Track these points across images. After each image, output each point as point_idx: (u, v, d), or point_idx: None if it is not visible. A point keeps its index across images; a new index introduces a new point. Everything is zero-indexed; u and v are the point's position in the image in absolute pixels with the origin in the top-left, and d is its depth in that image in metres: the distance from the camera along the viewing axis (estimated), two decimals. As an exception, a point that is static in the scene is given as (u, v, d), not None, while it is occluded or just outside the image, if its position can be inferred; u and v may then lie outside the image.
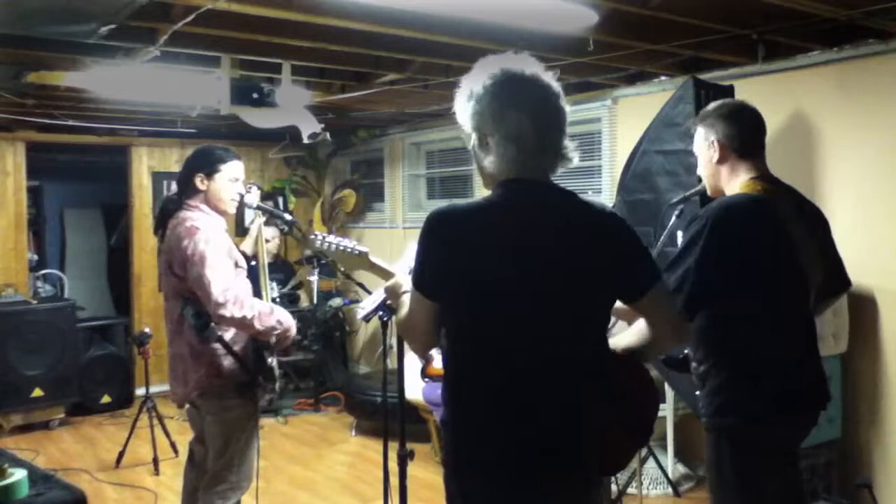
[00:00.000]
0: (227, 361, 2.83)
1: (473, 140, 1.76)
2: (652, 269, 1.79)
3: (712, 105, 2.33)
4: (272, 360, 2.91)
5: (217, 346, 2.80)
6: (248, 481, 2.97)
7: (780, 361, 2.14)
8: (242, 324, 2.76)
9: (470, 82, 1.73)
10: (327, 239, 2.38)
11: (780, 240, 2.15)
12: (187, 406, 3.04)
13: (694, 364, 2.24)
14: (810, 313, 2.25)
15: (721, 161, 2.25)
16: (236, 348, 2.84)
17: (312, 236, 2.41)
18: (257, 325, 2.78)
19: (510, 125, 1.67)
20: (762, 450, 2.14)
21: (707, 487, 2.29)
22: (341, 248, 2.36)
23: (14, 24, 3.07)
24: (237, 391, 2.86)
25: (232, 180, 2.93)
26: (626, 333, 1.89)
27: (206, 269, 2.72)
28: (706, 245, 2.07)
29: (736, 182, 2.24)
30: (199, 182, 2.88)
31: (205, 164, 2.90)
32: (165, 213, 2.93)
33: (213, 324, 2.76)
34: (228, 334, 2.83)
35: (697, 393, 2.28)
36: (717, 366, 2.17)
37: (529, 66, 1.71)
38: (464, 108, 1.74)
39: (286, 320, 2.91)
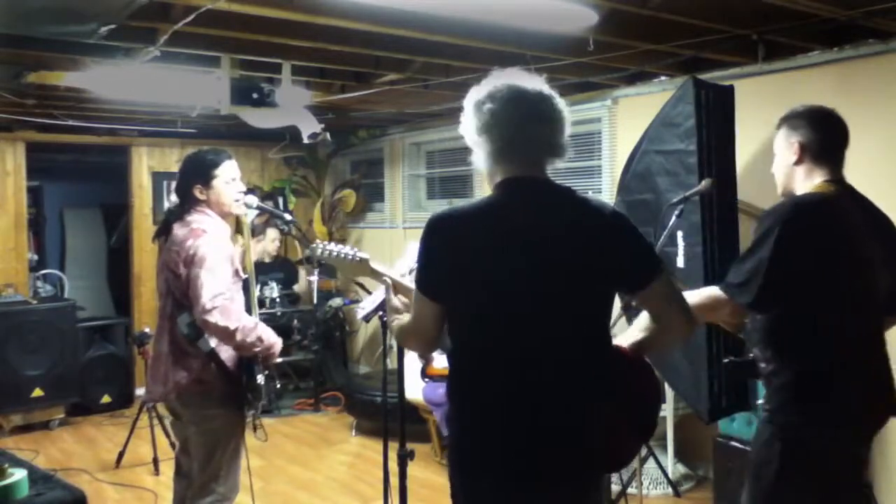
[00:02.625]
0: (211, 370, 2.78)
1: (475, 146, 1.79)
2: (654, 259, 1.80)
3: (800, 107, 2.34)
4: (260, 378, 2.87)
5: (204, 356, 2.77)
6: (235, 492, 2.93)
7: (845, 364, 2.12)
8: (224, 333, 2.72)
9: (470, 99, 1.78)
10: (328, 247, 2.38)
11: (849, 241, 2.15)
12: (171, 418, 3.01)
13: (762, 364, 2.23)
14: (879, 319, 2.23)
15: (798, 163, 2.26)
16: (223, 357, 2.80)
17: (313, 245, 2.40)
18: (238, 338, 2.73)
19: (501, 119, 1.72)
20: (817, 452, 2.12)
21: (748, 483, 2.25)
22: (342, 255, 2.35)
23: (14, 24, 3.07)
24: (220, 401, 2.81)
25: (229, 181, 2.91)
26: (632, 329, 1.89)
27: (203, 271, 2.70)
28: (778, 242, 2.06)
29: (809, 184, 2.25)
30: (199, 193, 2.85)
31: (199, 173, 2.87)
32: (169, 222, 2.89)
33: (203, 336, 2.74)
34: (213, 341, 2.79)
35: (761, 398, 2.24)
36: (785, 364, 2.15)
37: (518, 77, 1.77)
38: (468, 124, 1.78)
39: (269, 338, 2.85)
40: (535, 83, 1.76)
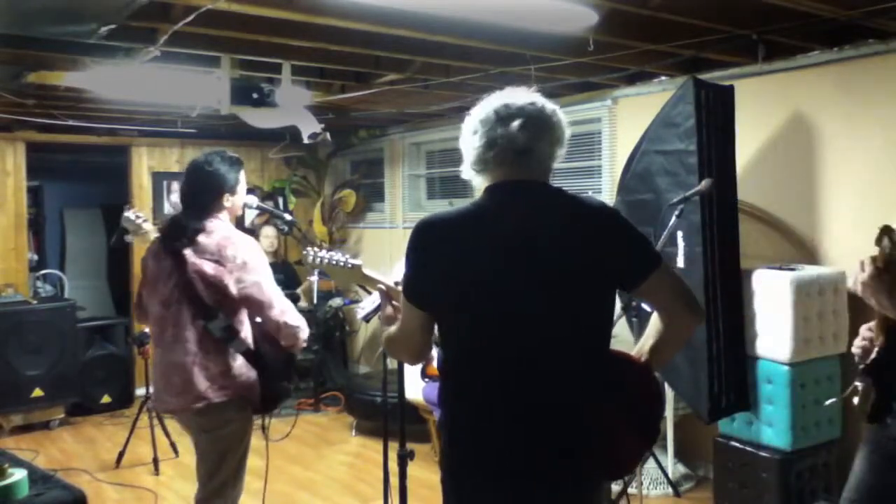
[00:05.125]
0: (240, 374, 2.76)
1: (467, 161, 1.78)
2: (651, 252, 1.77)
3: None
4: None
5: (233, 359, 2.75)
6: (241, 493, 2.92)
7: None
8: (295, 334, 2.80)
9: (466, 120, 1.78)
10: (319, 253, 2.38)
11: None
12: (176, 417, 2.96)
13: None
14: None
15: None
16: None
17: (305, 252, 2.42)
18: (302, 336, 2.83)
19: (478, 126, 1.72)
20: None
21: None
22: (333, 261, 2.36)
23: (14, 24, 3.07)
24: (237, 406, 2.78)
25: (244, 185, 2.95)
26: (644, 337, 1.85)
27: (262, 278, 2.74)
28: None
29: None
30: (226, 201, 2.84)
31: (228, 182, 2.83)
32: (190, 231, 2.75)
33: (238, 337, 2.74)
34: (249, 339, 2.79)
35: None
36: None
37: (511, 92, 1.76)
38: (462, 142, 1.78)
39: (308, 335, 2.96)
40: (527, 95, 1.74)
